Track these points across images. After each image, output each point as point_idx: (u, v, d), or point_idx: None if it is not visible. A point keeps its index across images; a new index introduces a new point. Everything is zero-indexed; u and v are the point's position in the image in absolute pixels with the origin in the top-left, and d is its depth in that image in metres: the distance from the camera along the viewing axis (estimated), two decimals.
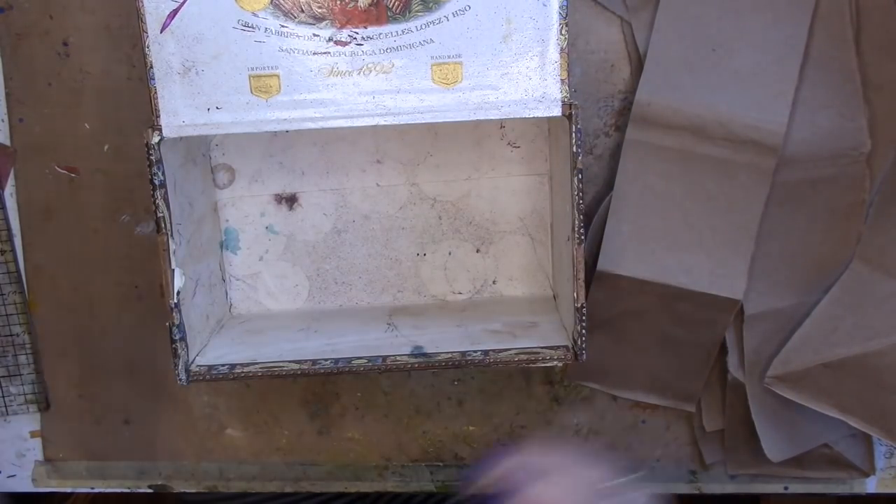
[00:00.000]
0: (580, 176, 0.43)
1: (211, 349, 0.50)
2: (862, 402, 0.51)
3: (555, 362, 0.46)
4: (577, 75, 0.52)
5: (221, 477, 0.61)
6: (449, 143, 0.53)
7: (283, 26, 0.42)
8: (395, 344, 0.48)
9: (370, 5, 0.42)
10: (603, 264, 0.51)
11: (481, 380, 0.57)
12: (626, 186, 0.51)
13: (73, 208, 0.55)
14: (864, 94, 0.50)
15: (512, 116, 0.44)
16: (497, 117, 0.44)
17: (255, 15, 0.42)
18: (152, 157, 0.44)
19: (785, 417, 0.54)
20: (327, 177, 0.54)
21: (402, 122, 0.44)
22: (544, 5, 0.42)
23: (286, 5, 0.42)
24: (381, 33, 0.42)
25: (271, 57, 0.43)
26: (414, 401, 0.58)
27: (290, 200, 0.54)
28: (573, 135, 0.43)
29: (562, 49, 0.43)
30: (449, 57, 0.43)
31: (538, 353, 0.46)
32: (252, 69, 0.43)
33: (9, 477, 0.61)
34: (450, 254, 0.55)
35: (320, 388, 0.58)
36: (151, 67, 0.43)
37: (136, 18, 0.53)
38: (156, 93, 0.43)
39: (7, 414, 0.59)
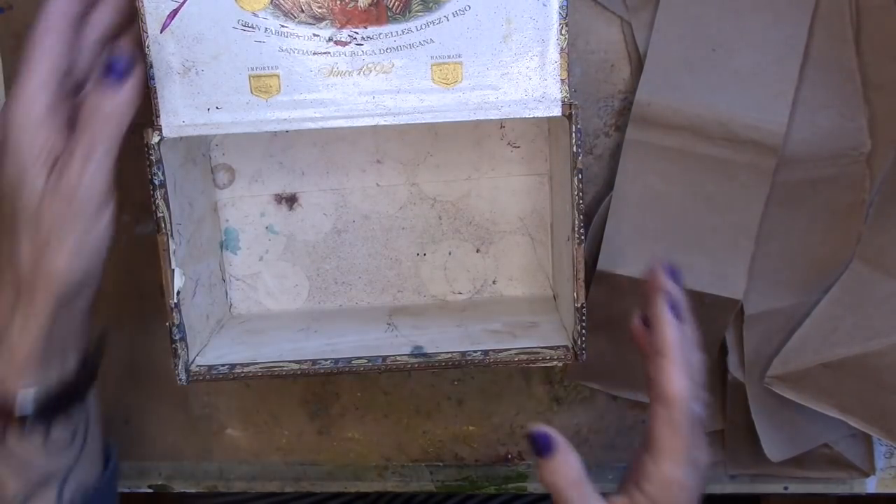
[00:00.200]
0: (580, 176, 0.43)
1: (211, 349, 0.50)
2: (862, 402, 0.51)
3: (555, 362, 0.46)
4: (577, 75, 0.52)
5: (221, 477, 0.61)
6: (449, 143, 0.53)
7: (283, 26, 0.42)
8: (395, 344, 0.48)
9: (370, 5, 0.42)
10: (603, 264, 0.51)
11: (481, 380, 0.58)
12: (626, 186, 0.51)
13: None
14: (864, 94, 0.50)
15: (512, 116, 0.44)
16: (497, 117, 0.44)
17: (255, 15, 0.42)
18: (152, 157, 0.44)
19: (785, 417, 0.54)
20: (327, 177, 0.54)
21: (402, 122, 0.44)
22: (544, 5, 0.42)
23: (286, 5, 0.42)
24: (380, 33, 0.42)
25: (271, 57, 0.43)
26: (414, 401, 0.58)
27: (290, 200, 0.54)
28: (573, 135, 0.43)
29: (562, 49, 0.43)
30: (449, 57, 0.43)
31: (538, 353, 0.46)
32: (252, 69, 0.43)
33: None
34: (450, 254, 0.55)
35: (320, 388, 0.58)
36: (151, 67, 0.43)
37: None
38: (155, 93, 0.43)
39: None
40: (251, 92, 0.43)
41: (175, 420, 0.59)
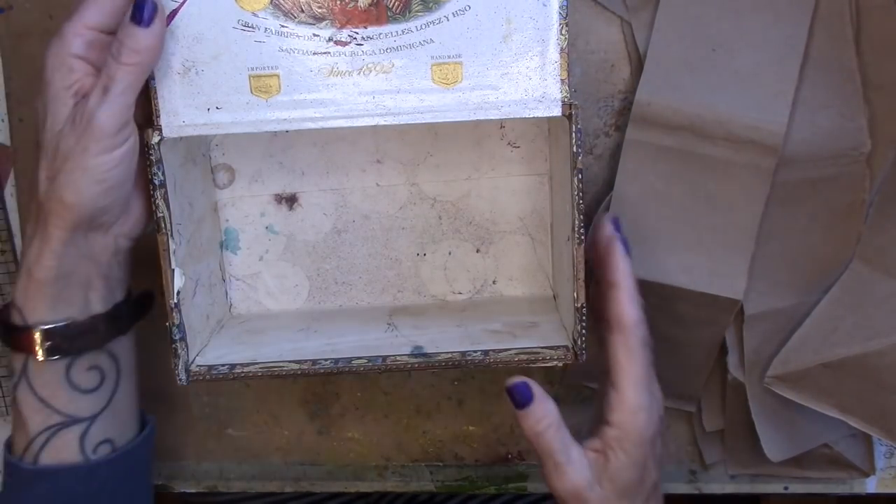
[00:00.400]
0: (580, 176, 0.43)
1: (211, 349, 0.50)
2: (862, 402, 0.51)
3: (555, 362, 0.46)
4: (577, 75, 0.52)
5: (221, 477, 0.61)
6: (449, 143, 0.53)
7: (283, 26, 0.42)
8: (395, 344, 0.48)
9: (370, 5, 0.42)
10: None
11: (481, 380, 0.58)
12: (626, 186, 0.51)
13: None
14: (864, 94, 0.50)
15: (512, 116, 0.44)
16: (497, 117, 0.44)
17: (255, 15, 0.42)
18: (152, 157, 0.44)
19: (785, 417, 0.54)
20: (327, 177, 0.54)
21: (401, 122, 0.44)
22: (544, 5, 0.42)
23: (286, 5, 0.42)
24: (381, 33, 0.42)
25: (271, 57, 0.43)
26: (414, 401, 0.58)
27: (290, 200, 0.54)
28: (573, 135, 0.43)
29: (562, 49, 0.43)
30: (449, 57, 0.43)
31: (538, 353, 0.46)
32: (252, 69, 0.43)
33: None
34: (450, 254, 0.55)
35: (320, 388, 0.58)
36: None
37: None
38: (155, 93, 0.43)
39: (7, 414, 0.59)
40: (251, 92, 0.43)
41: (175, 420, 0.59)
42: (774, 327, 0.53)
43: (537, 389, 0.44)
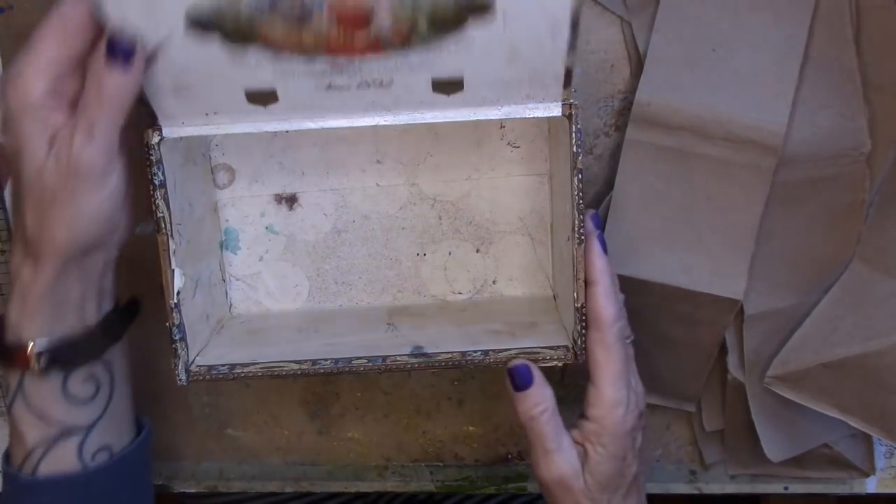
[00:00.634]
0: (580, 176, 0.43)
1: (211, 349, 0.50)
2: (862, 402, 0.51)
3: (555, 362, 0.46)
4: (577, 75, 0.52)
5: (221, 477, 0.61)
6: (449, 144, 0.53)
7: (275, 55, 0.41)
8: (395, 344, 0.48)
9: (367, 45, 0.41)
10: None
11: (481, 380, 0.58)
12: (626, 186, 0.51)
13: None
14: (864, 94, 0.50)
15: (512, 116, 0.44)
16: (497, 117, 0.44)
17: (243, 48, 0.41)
18: (152, 158, 0.44)
19: (785, 417, 0.54)
20: (327, 177, 0.54)
21: (402, 122, 0.44)
22: (553, 39, 0.41)
23: (276, 42, 0.40)
24: (379, 59, 0.41)
25: (266, 78, 0.42)
26: (414, 401, 0.58)
27: (290, 200, 0.54)
28: (573, 135, 0.43)
29: (568, 70, 0.42)
30: (450, 75, 0.42)
31: (538, 353, 0.46)
32: (247, 87, 0.42)
33: None
34: (450, 254, 0.55)
35: (320, 388, 0.58)
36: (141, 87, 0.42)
37: None
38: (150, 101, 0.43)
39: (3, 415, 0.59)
40: (248, 103, 0.43)
41: (175, 420, 0.59)
42: (774, 327, 0.53)
43: (537, 374, 0.45)
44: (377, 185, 0.54)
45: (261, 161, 0.54)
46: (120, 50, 0.39)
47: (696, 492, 0.59)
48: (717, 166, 0.50)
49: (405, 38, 0.40)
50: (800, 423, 0.54)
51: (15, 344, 0.43)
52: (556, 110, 0.43)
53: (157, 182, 0.44)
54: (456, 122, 0.44)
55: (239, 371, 0.47)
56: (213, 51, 0.40)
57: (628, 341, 0.45)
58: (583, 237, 0.44)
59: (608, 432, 0.44)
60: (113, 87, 0.39)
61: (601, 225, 0.46)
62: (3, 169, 0.56)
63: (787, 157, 0.49)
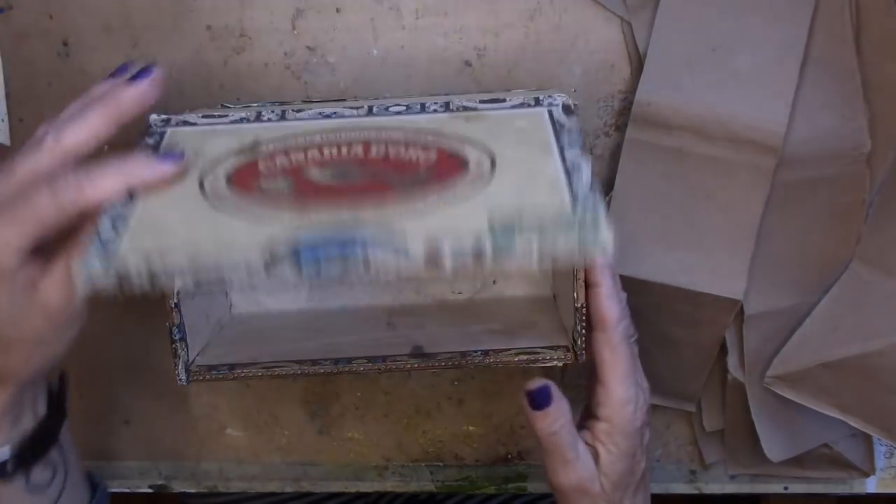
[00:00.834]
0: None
1: (211, 349, 0.50)
2: (862, 402, 0.51)
3: (555, 362, 0.46)
4: (577, 75, 0.52)
5: (221, 477, 0.61)
6: None
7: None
8: (395, 344, 0.48)
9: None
10: None
11: (481, 380, 0.58)
12: (626, 186, 0.51)
13: None
14: (864, 94, 0.50)
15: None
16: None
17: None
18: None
19: (785, 417, 0.54)
20: None
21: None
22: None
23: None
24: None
25: None
26: (414, 401, 0.58)
27: None
28: (575, 107, 0.43)
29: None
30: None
31: (538, 353, 0.46)
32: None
33: None
34: None
35: (320, 388, 0.58)
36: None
37: (135, 20, 0.53)
38: None
39: None
40: None
41: (175, 420, 0.59)
42: (774, 327, 0.53)
43: (555, 390, 0.44)
44: None
45: None
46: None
47: (696, 492, 0.59)
48: (717, 166, 0.50)
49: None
50: (800, 423, 0.54)
51: None
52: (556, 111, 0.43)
53: None
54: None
55: (239, 371, 0.47)
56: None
57: (633, 340, 0.45)
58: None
59: (619, 431, 0.44)
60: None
61: None
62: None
63: (787, 157, 0.49)
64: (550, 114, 0.42)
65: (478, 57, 0.53)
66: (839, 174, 0.51)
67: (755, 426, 0.53)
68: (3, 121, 0.55)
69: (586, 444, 0.45)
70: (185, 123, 0.43)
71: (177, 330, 0.46)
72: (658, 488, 0.58)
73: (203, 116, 0.43)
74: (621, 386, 0.44)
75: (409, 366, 0.46)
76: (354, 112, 0.42)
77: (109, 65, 0.53)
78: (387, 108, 0.42)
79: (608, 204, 0.51)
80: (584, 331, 0.44)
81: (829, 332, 0.51)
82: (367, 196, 0.36)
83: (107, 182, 0.37)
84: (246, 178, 0.38)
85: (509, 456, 0.59)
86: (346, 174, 0.38)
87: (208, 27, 0.53)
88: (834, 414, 0.52)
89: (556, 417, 0.44)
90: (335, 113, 0.43)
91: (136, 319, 0.57)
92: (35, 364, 0.41)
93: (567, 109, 0.42)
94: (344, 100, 0.52)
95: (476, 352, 0.46)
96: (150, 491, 0.61)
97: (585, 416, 0.47)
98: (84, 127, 0.38)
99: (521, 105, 0.43)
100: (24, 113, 0.55)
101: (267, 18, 0.53)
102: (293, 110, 0.43)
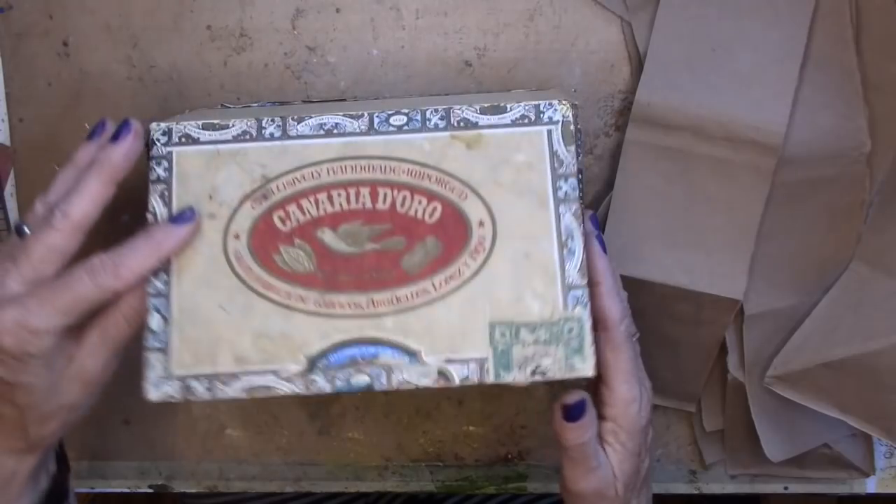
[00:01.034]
0: (580, 176, 0.43)
1: None
2: (862, 402, 0.51)
3: None
4: (577, 75, 0.52)
5: (221, 477, 0.61)
6: None
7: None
8: None
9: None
10: None
11: None
12: (626, 186, 0.51)
13: None
14: (864, 94, 0.50)
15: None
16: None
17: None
18: (151, 153, 0.43)
19: (785, 417, 0.54)
20: None
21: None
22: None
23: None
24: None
25: None
26: (414, 401, 0.58)
27: None
28: (574, 130, 0.43)
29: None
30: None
31: None
32: None
33: None
34: None
35: None
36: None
37: (135, 20, 0.53)
38: None
39: None
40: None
41: (175, 420, 0.59)
42: (774, 327, 0.53)
43: (589, 402, 0.44)
44: None
45: None
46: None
47: (696, 492, 0.59)
48: (717, 166, 0.50)
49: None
50: (800, 423, 0.54)
51: None
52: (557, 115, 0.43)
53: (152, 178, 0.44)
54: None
55: None
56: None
57: (635, 339, 0.45)
58: (583, 238, 0.44)
59: (625, 430, 0.44)
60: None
61: (600, 226, 0.46)
62: (3, 169, 0.56)
63: (787, 157, 0.49)
64: (549, 138, 0.42)
65: (478, 57, 0.53)
66: (839, 174, 0.51)
67: (755, 426, 0.53)
68: (3, 121, 0.55)
69: None
70: (188, 139, 0.43)
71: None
72: (658, 488, 0.58)
73: (203, 127, 0.43)
74: (625, 385, 0.44)
75: None
76: (356, 126, 0.42)
77: (109, 65, 0.54)
78: (387, 119, 0.42)
79: (608, 204, 0.51)
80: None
81: (829, 332, 0.51)
82: (382, 280, 0.41)
83: (138, 261, 0.40)
84: (266, 244, 0.42)
85: (509, 456, 0.59)
86: (357, 238, 0.42)
87: (208, 27, 0.53)
88: (834, 414, 0.52)
89: (588, 428, 0.43)
90: (336, 126, 0.43)
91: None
92: (66, 428, 0.43)
93: (566, 134, 0.42)
94: (344, 100, 0.52)
95: None
96: (150, 491, 0.61)
97: None
98: (87, 197, 0.41)
99: (522, 119, 0.43)
100: (24, 113, 0.55)
101: (267, 18, 0.53)
102: (293, 119, 0.43)
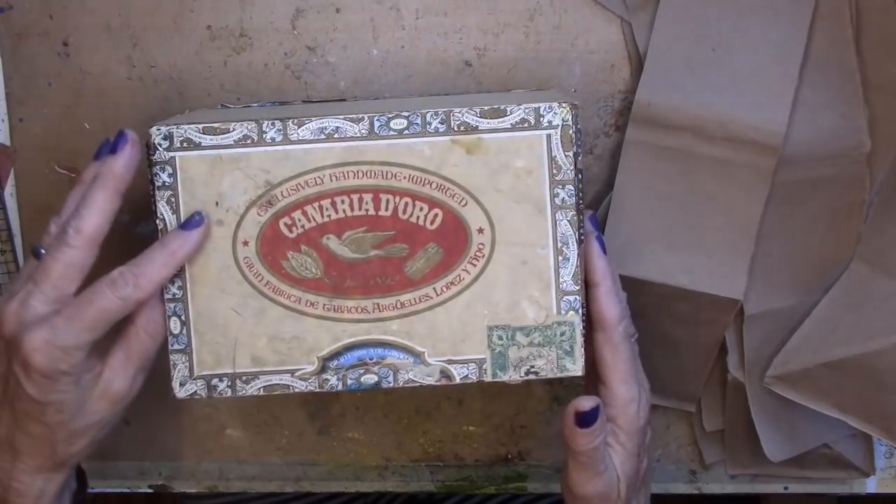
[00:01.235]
0: (580, 176, 0.43)
1: None
2: (862, 402, 0.51)
3: None
4: (577, 75, 0.52)
5: (221, 477, 0.61)
6: None
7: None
8: None
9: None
10: None
11: None
12: (626, 186, 0.51)
13: None
14: (864, 94, 0.50)
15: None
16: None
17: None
18: (153, 158, 0.43)
19: (785, 417, 0.54)
20: None
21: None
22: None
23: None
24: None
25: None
26: (414, 401, 0.58)
27: None
28: (573, 135, 0.43)
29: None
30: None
31: None
32: None
33: None
34: None
35: None
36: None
37: (135, 20, 0.53)
38: None
39: None
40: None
41: (175, 420, 0.59)
42: (774, 327, 0.53)
43: (602, 408, 0.44)
44: None
45: None
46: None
47: (696, 492, 0.59)
48: (717, 166, 0.50)
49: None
50: (800, 423, 0.54)
51: None
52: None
53: (157, 183, 0.44)
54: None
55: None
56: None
57: (633, 339, 0.45)
58: (583, 238, 0.44)
59: (625, 430, 0.44)
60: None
61: (599, 226, 0.46)
62: (3, 169, 0.56)
63: (787, 157, 0.49)
64: (549, 144, 0.42)
65: (478, 57, 0.53)
66: (839, 174, 0.51)
67: (755, 426, 0.53)
68: (2, 121, 0.55)
69: None
70: (190, 143, 0.43)
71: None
72: (658, 488, 0.58)
73: (204, 131, 0.43)
74: (624, 385, 0.44)
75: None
76: (356, 130, 0.42)
77: (109, 65, 0.54)
78: (388, 122, 0.42)
79: (608, 204, 0.51)
80: (584, 331, 0.44)
81: (829, 332, 0.51)
82: (387, 285, 0.43)
83: (157, 269, 0.41)
84: (274, 250, 0.43)
85: (509, 456, 0.59)
86: (361, 245, 0.42)
87: (208, 27, 0.53)
88: (834, 414, 0.52)
89: (599, 433, 0.43)
90: (337, 130, 0.42)
91: None
92: (93, 447, 0.44)
93: (565, 139, 0.42)
94: (344, 100, 0.52)
95: None
96: (150, 491, 0.61)
97: None
98: (96, 210, 0.42)
99: (522, 122, 0.43)
100: (24, 113, 0.55)
101: (267, 18, 0.53)
102: (294, 123, 0.42)
